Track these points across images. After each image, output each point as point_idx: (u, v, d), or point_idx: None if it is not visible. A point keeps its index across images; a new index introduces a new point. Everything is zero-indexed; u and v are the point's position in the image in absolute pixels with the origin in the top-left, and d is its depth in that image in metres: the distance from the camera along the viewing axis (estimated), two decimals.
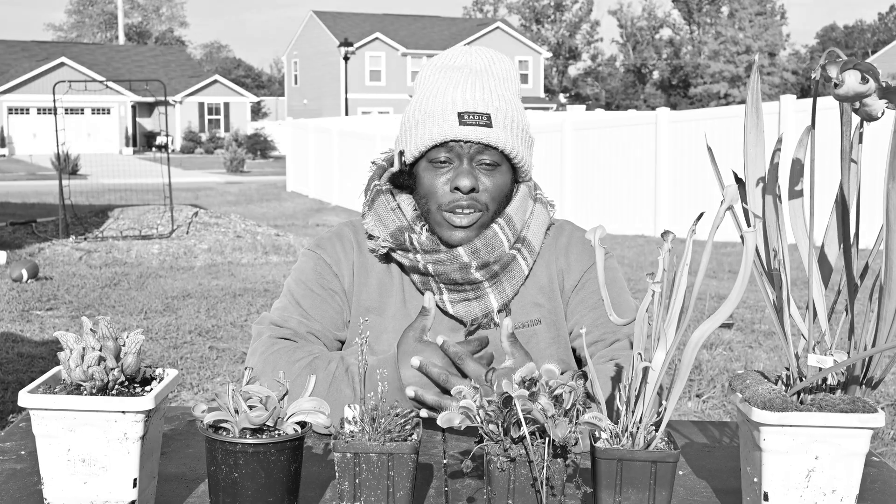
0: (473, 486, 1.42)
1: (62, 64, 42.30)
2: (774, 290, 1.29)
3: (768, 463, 1.22)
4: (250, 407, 1.27)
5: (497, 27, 52.80)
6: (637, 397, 1.26)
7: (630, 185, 14.38)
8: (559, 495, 1.24)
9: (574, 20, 69.69)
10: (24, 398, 1.24)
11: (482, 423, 1.25)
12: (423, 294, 1.81)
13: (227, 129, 46.81)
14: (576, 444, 1.23)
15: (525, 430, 1.22)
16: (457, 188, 1.72)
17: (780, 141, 1.29)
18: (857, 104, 1.13)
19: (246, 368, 1.38)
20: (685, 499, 1.41)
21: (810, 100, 1.20)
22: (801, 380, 1.26)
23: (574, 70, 72.39)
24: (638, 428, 1.25)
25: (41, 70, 42.07)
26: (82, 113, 43.63)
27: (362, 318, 1.79)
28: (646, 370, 1.25)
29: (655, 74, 69.27)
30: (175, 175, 18.01)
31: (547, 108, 46.92)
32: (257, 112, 59.76)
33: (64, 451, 1.24)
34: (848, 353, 1.27)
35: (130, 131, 45.30)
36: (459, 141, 1.72)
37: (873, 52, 52.59)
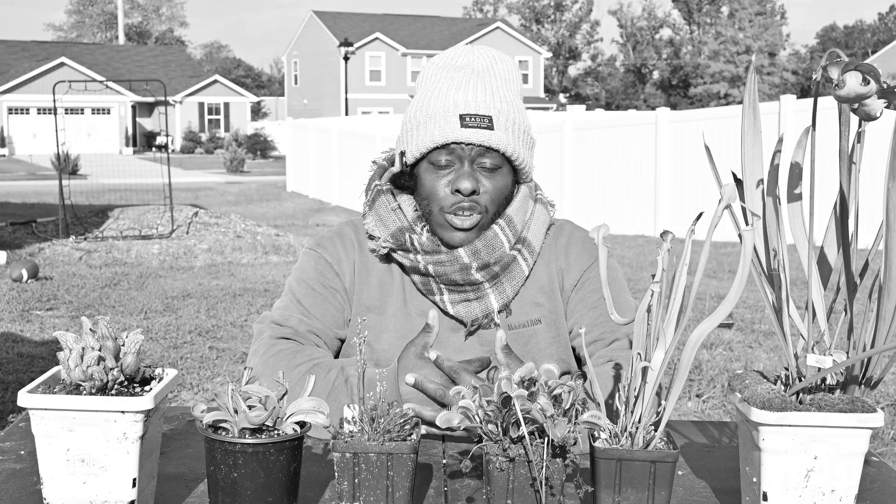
0: (473, 486, 1.42)
1: (62, 64, 42.29)
2: (774, 291, 1.29)
3: (767, 463, 1.22)
4: (249, 407, 1.27)
5: (497, 27, 52.80)
6: (636, 397, 1.26)
7: (630, 185, 14.38)
8: (558, 495, 1.24)
9: (574, 20, 69.69)
10: (24, 398, 1.24)
11: (481, 423, 1.25)
12: (423, 294, 1.81)
13: (227, 129, 46.81)
14: (575, 443, 1.23)
15: (524, 429, 1.22)
16: (458, 191, 1.72)
17: (780, 141, 1.29)
18: (857, 105, 1.13)
19: (246, 368, 1.38)
20: (685, 499, 1.41)
21: (810, 100, 1.20)
22: (800, 380, 1.26)
23: (574, 70, 72.44)
24: (637, 428, 1.26)
25: (41, 70, 42.08)
26: (82, 113, 43.63)
27: (363, 317, 1.80)
28: (645, 370, 1.25)
29: (655, 74, 69.28)
30: (175, 175, 18.01)
31: (547, 108, 46.93)
32: (257, 112, 59.77)
33: (63, 451, 1.24)
34: (847, 352, 1.27)
35: (130, 131, 45.30)
36: (461, 143, 1.72)
37: (873, 52, 52.58)
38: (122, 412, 1.22)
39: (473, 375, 1.61)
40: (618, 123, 15.52)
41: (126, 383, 1.28)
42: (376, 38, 50.43)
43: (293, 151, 24.32)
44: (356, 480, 1.26)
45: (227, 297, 8.22)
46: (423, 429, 1.58)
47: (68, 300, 8.02)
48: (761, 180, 1.28)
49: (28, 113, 42.84)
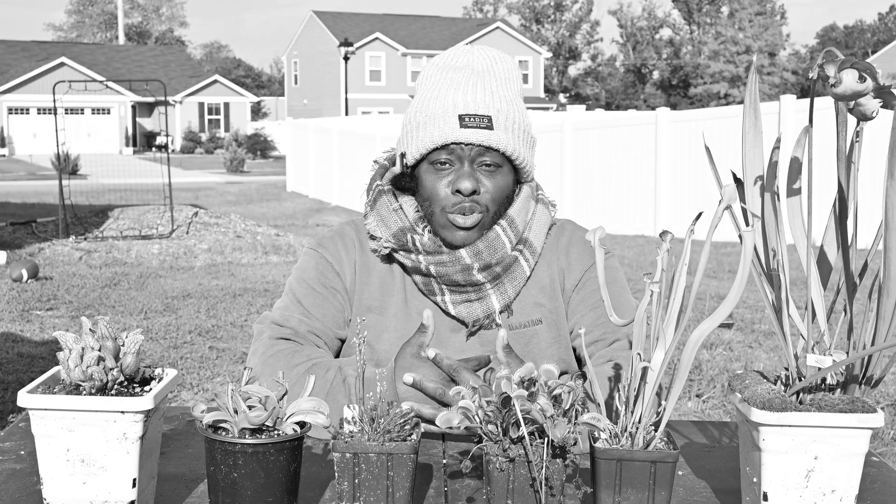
0: (473, 487, 1.42)
1: (62, 64, 42.29)
2: (773, 291, 1.29)
3: (768, 463, 1.22)
4: (249, 407, 1.27)
5: (497, 27, 52.81)
6: (636, 397, 1.26)
7: (630, 185, 14.38)
8: (558, 495, 1.24)
9: (574, 20, 69.69)
10: (24, 398, 1.24)
11: (481, 423, 1.25)
12: (425, 294, 1.81)
13: (227, 129, 46.80)
14: (575, 444, 1.23)
15: (524, 430, 1.22)
16: (458, 191, 1.72)
17: (778, 140, 1.29)
18: (852, 104, 1.13)
19: (245, 368, 1.38)
20: (685, 499, 1.41)
21: (810, 99, 1.20)
22: (800, 380, 1.26)
23: (574, 70, 72.43)
24: (637, 428, 1.26)
25: (41, 70, 42.07)
26: (82, 113, 43.62)
27: (363, 317, 1.80)
28: (645, 370, 1.25)
29: (655, 74, 69.27)
30: (175, 175, 18.01)
31: (547, 108, 46.93)
32: (257, 112, 59.76)
33: (63, 451, 1.24)
34: (847, 352, 1.27)
35: (130, 131, 45.30)
36: (460, 143, 1.72)
37: (873, 52, 52.58)
38: (122, 412, 1.22)
39: (472, 374, 1.61)
40: (618, 123, 15.52)
41: (126, 383, 1.28)
42: (376, 38, 50.43)
43: (293, 151, 24.32)
44: (356, 480, 1.26)
45: (227, 297, 8.22)
46: (423, 427, 1.58)
47: (68, 300, 8.02)
48: (761, 179, 1.28)
49: (28, 113, 42.84)
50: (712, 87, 60.42)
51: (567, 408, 1.25)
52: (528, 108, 1.87)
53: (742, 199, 1.28)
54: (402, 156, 1.79)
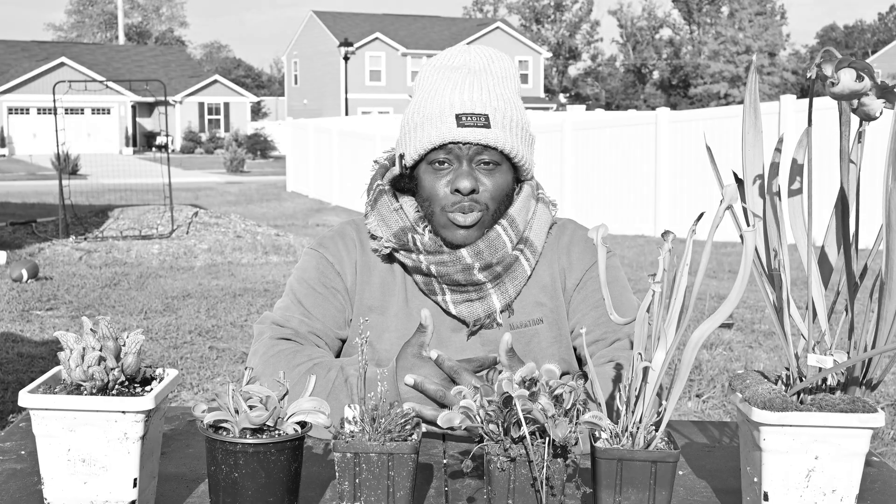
0: (473, 486, 1.42)
1: (62, 64, 42.29)
2: (774, 290, 1.29)
3: (768, 463, 1.22)
4: (250, 407, 1.27)
5: (497, 27, 52.80)
6: (637, 397, 1.26)
7: (630, 185, 14.38)
8: (559, 495, 1.24)
9: (574, 20, 69.68)
10: (24, 398, 1.24)
11: (482, 422, 1.25)
12: (425, 294, 1.81)
13: (227, 129, 46.79)
14: (576, 443, 1.23)
15: (525, 430, 1.22)
16: (457, 190, 1.72)
17: (780, 141, 1.29)
18: (856, 104, 1.13)
19: (246, 368, 1.38)
20: (685, 499, 1.41)
21: (809, 99, 1.20)
22: (800, 380, 1.26)
23: (574, 70, 72.42)
24: (638, 428, 1.26)
25: (41, 70, 42.06)
26: (82, 113, 43.62)
27: (364, 317, 1.80)
28: (646, 370, 1.25)
29: (655, 74, 69.28)
30: (175, 175, 18.01)
31: (547, 108, 46.93)
32: (257, 112, 59.76)
33: (64, 451, 1.24)
34: (848, 353, 1.27)
35: (130, 131, 45.29)
36: (458, 143, 1.72)
37: (873, 52, 52.57)
38: (123, 412, 1.22)
39: (473, 375, 1.61)
40: (618, 123, 15.52)
41: (127, 383, 1.28)
42: (376, 38, 50.43)
43: (293, 151, 24.32)
44: (357, 480, 1.26)
45: (227, 297, 8.22)
46: (424, 427, 1.58)
47: (68, 300, 8.02)
48: (762, 179, 1.28)
49: (28, 113, 42.83)
50: (712, 87, 60.43)
51: (568, 407, 1.25)
52: (528, 108, 1.87)
53: (743, 199, 1.28)
54: (401, 157, 1.79)
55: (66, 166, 15.74)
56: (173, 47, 59.59)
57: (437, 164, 1.74)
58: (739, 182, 1.29)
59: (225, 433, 1.27)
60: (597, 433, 1.27)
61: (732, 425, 1.78)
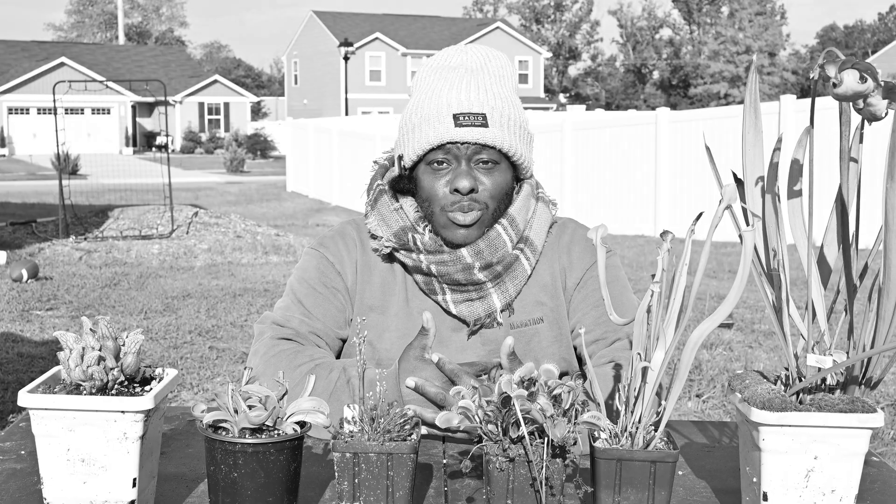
0: (473, 486, 1.42)
1: (62, 64, 42.28)
2: (774, 290, 1.29)
3: (767, 463, 1.22)
4: (250, 407, 1.27)
5: (497, 27, 52.80)
6: (636, 397, 1.26)
7: (630, 185, 14.38)
8: (558, 495, 1.24)
9: (574, 20, 69.68)
10: (24, 398, 1.24)
11: (481, 423, 1.25)
12: (426, 294, 1.81)
13: (227, 129, 46.79)
14: (575, 444, 1.23)
15: (524, 430, 1.22)
16: (456, 190, 1.72)
17: (779, 141, 1.29)
18: (861, 104, 1.13)
19: (246, 368, 1.38)
20: (685, 499, 1.41)
21: (810, 100, 1.20)
22: (800, 380, 1.26)
23: (574, 70, 72.42)
24: (637, 428, 1.26)
25: (41, 70, 42.06)
26: (82, 113, 43.61)
27: (363, 317, 1.80)
28: (645, 370, 1.25)
29: (655, 74, 69.28)
30: (175, 175, 18.01)
31: (547, 108, 46.93)
32: (257, 112, 59.75)
33: (63, 451, 1.24)
34: (847, 353, 1.27)
35: (130, 131, 45.29)
36: (456, 143, 1.72)
37: (873, 52, 52.58)
38: (123, 412, 1.22)
39: (475, 378, 1.62)
40: (618, 123, 15.52)
41: (126, 383, 1.28)
42: (376, 38, 50.43)
43: (293, 151, 24.32)
44: (356, 480, 1.26)
45: (227, 297, 8.22)
46: (424, 429, 1.58)
47: (68, 300, 8.02)
48: (762, 180, 1.28)
49: (28, 113, 42.83)
50: (712, 87, 60.42)
51: (567, 407, 1.25)
52: (528, 108, 1.88)
53: (742, 199, 1.28)
54: (400, 158, 1.79)
55: (66, 166, 15.74)
56: (173, 47, 59.59)
57: (435, 165, 1.74)
58: (739, 182, 1.29)
59: (224, 433, 1.27)
60: (596, 433, 1.27)
61: (732, 425, 1.78)
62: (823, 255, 1.32)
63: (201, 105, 48.25)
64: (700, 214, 1.24)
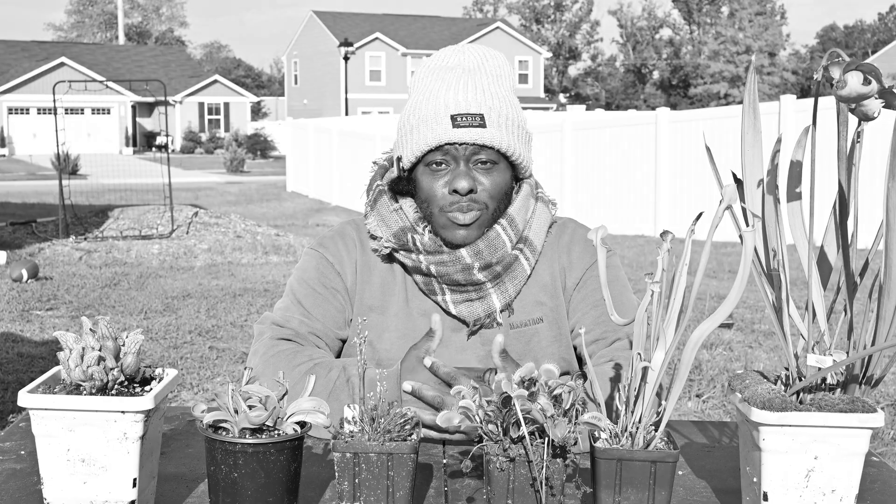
0: (473, 486, 1.42)
1: (62, 64, 42.28)
2: (774, 291, 1.29)
3: (768, 463, 1.22)
4: (250, 407, 1.27)
5: (497, 27, 52.80)
6: (636, 397, 1.26)
7: (630, 185, 14.38)
8: (558, 495, 1.24)
9: (574, 20, 69.68)
10: (24, 398, 1.24)
11: (481, 423, 1.25)
12: (426, 294, 1.81)
13: (227, 129, 46.79)
14: (575, 443, 1.23)
15: (524, 430, 1.22)
16: (455, 190, 1.72)
17: (779, 141, 1.29)
18: (854, 104, 1.13)
19: (246, 368, 1.38)
20: (685, 499, 1.41)
21: (810, 100, 1.20)
22: (800, 380, 1.26)
23: (574, 70, 72.43)
24: (637, 428, 1.26)
25: (41, 70, 42.06)
26: (82, 113, 43.61)
27: (364, 317, 1.80)
28: (645, 370, 1.25)
29: (655, 74, 69.27)
30: (175, 175, 18.01)
31: (547, 108, 46.92)
32: (257, 112, 59.75)
33: (63, 451, 1.24)
34: (847, 352, 1.27)
35: (130, 131, 45.29)
36: (454, 143, 1.72)
37: (873, 52, 52.57)
38: (123, 412, 1.22)
39: (471, 381, 1.61)
40: (618, 123, 15.52)
41: (126, 383, 1.28)
42: (376, 38, 50.43)
43: (293, 151, 24.32)
44: (356, 480, 1.26)
45: (227, 297, 8.22)
46: (423, 432, 1.58)
47: (68, 300, 8.02)
48: (761, 180, 1.28)
49: (28, 113, 42.83)
50: (712, 87, 60.42)
51: (567, 407, 1.25)
52: (528, 108, 1.88)
53: (742, 199, 1.28)
54: (399, 159, 1.79)
55: (66, 166, 15.74)
56: (173, 47, 59.59)
57: (434, 166, 1.74)
58: (739, 182, 1.29)
59: (224, 433, 1.27)
60: (596, 433, 1.27)
61: (732, 425, 1.78)
62: (823, 254, 1.32)
63: (201, 105, 48.24)
64: (700, 214, 1.24)
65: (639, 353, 1.25)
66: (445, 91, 1.74)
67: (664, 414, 1.26)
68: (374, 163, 1.92)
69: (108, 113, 45.05)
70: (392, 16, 54.77)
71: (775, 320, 1.29)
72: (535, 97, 51.53)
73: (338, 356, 1.87)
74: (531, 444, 1.22)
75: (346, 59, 35.68)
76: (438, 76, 1.77)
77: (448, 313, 1.81)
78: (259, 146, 40.84)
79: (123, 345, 1.28)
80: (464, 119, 1.70)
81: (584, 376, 1.35)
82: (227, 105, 48.83)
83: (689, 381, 5.33)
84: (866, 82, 1.11)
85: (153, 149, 40.56)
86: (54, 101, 12.28)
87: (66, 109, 20.98)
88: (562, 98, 62.02)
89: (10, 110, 42.71)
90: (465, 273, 1.75)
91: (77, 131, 39.90)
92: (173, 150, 42.99)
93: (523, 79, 52.21)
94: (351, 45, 36.42)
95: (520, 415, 1.21)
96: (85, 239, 11.31)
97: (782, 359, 1.30)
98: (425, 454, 1.57)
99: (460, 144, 1.72)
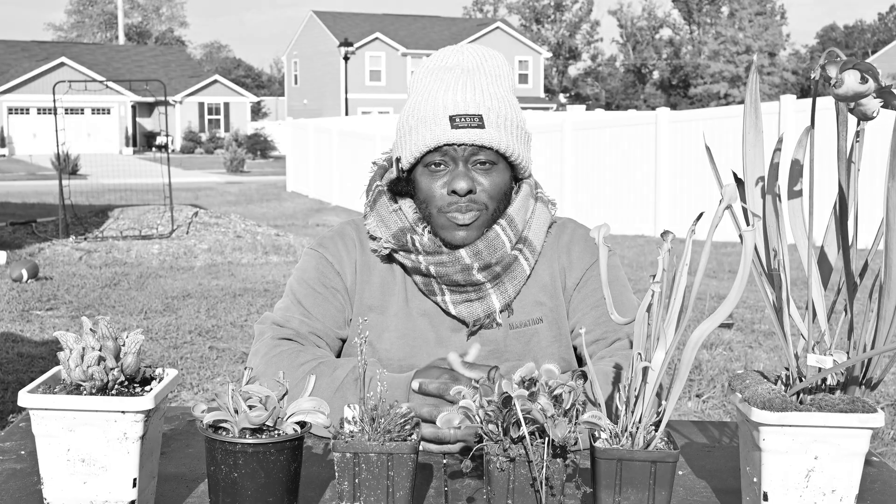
0: (473, 486, 1.42)
1: (62, 64, 42.28)
2: (774, 290, 1.29)
3: (768, 463, 1.22)
4: (250, 407, 1.27)
5: (497, 27, 52.79)
6: (637, 397, 1.26)
7: (630, 185, 14.38)
8: (559, 495, 1.24)
9: (574, 20, 69.68)
10: (24, 398, 1.24)
11: (482, 423, 1.25)
12: (425, 294, 1.81)
13: (227, 129, 46.79)
14: (575, 443, 1.23)
15: (524, 430, 1.22)
16: (454, 191, 1.72)
17: (780, 141, 1.29)
18: (853, 104, 1.13)
19: (246, 368, 1.38)
20: (685, 499, 1.41)
21: (810, 100, 1.20)
22: (800, 380, 1.26)
23: (574, 70, 72.42)
24: (637, 428, 1.26)
25: (41, 70, 42.06)
26: (82, 113, 43.61)
27: (364, 317, 1.80)
28: (645, 370, 1.25)
29: (655, 74, 69.28)
30: (175, 175, 18.01)
31: (547, 108, 46.92)
32: (257, 112, 59.75)
33: (64, 451, 1.24)
34: (847, 352, 1.27)
35: (130, 131, 45.29)
36: (452, 144, 1.72)
37: (873, 52, 52.58)
38: (123, 412, 1.22)
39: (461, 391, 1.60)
40: (618, 123, 15.52)
41: (126, 383, 1.28)
42: (376, 38, 50.43)
43: (293, 151, 24.32)
44: (356, 480, 1.26)
45: (227, 297, 8.22)
46: (422, 446, 1.56)
47: (68, 300, 8.02)
48: (762, 180, 1.28)
49: (28, 113, 42.83)
50: (712, 87, 60.42)
51: (567, 407, 1.25)
52: (528, 108, 1.87)
53: (742, 199, 1.28)
54: (398, 160, 1.79)
55: (66, 166, 15.74)
56: (173, 47, 59.59)
57: (433, 167, 1.74)
58: (739, 182, 1.29)
59: (224, 433, 1.27)
60: (596, 433, 1.27)
61: (732, 425, 1.78)
62: (824, 254, 1.32)
63: (201, 105, 48.24)
64: (700, 214, 1.24)
65: (639, 353, 1.25)
66: (444, 92, 1.73)
67: (664, 414, 1.26)
68: (374, 163, 1.92)
69: (108, 113, 45.05)
70: (392, 16, 54.77)
71: (775, 320, 1.29)
72: (534, 97, 51.52)
73: (338, 356, 1.87)
74: (531, 444, 1.22)
75: (346, 59, 35.69)
76: (437, 76, 1.77)
77: (447, 314, 1.81)
78: (259, 146, 40.84)
79: (123, 345, 1.28)
80: (462, 120, 1.70)
81: (584, 376, 1.35)
82: (227, 105, 48.83)
83: (689, 381, 5.33)
84: (863, 81, 1.11)
85: (153, 149, 40.57)
86: (54, 101, 12.28)
87: (66, 109, 20.98)
88: (562, 98, 62.03)
89: (10, 110, 42.71)
90: (464, 273, 1.75)
91: (77, 131, 39.90)
92: (173, 150, 42.99)
93: (523, 79, 52.21)
94: (351, 45, 36.42)
95: (520, 415, 1.21)
96: (85, 239, 11.31)
97: (782, 359, 1.30)
98: (425, 454, 1.57)
99: (459, 145, 1.71)
